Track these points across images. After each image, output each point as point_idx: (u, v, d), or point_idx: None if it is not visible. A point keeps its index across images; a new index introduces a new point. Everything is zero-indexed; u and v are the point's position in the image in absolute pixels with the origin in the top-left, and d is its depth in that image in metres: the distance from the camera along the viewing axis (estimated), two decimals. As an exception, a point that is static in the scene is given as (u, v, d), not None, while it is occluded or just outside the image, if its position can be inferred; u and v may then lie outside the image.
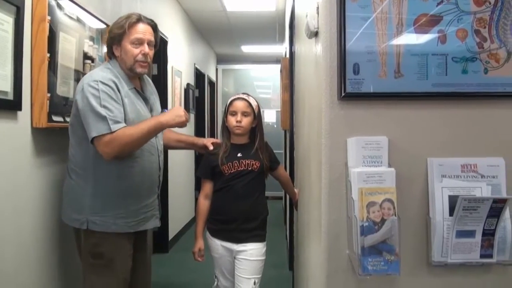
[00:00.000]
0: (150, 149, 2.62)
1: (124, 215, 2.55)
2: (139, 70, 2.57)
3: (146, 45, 2.56)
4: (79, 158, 2.57)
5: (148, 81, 2.82)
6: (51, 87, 2.64)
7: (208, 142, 2.95)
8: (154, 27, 2.64)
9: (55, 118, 2.70)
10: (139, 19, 2.57)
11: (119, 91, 2.48)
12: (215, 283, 3.02)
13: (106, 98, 2.41)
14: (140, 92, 2.65)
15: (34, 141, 2.56)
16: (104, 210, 2.52)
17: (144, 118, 2.56)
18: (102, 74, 2.51)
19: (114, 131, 2.36)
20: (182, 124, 2.56)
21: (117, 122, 2.40)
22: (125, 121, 2.45)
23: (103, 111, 2.38)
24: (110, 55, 2.64)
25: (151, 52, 2.60)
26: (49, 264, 2.76)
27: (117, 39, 2.55)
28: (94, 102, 2.39)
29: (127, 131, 2.41)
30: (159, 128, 2.58)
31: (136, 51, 2.53)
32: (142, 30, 2.56)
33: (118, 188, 2.54)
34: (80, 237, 2.57)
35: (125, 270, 2.58)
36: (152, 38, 2.61)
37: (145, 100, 2.68)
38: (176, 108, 2.62)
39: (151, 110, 2.70)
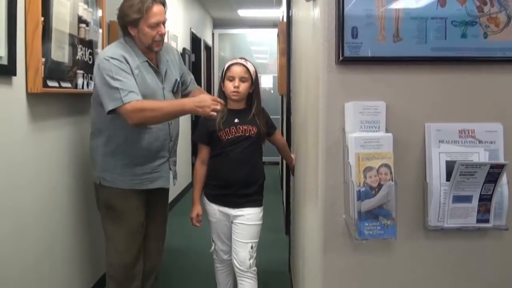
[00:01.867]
0: None
1: (129, 174, 2.85)
2: (156, 48, 2.82)
3: (162, 26, 2.77)
4: (96, 122, 2.89)
5: (167, 50, 3.01)
6: (46, 52, 2.62)
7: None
8: (164, 4, 2.81)
9: (50, 83, 2.68)
10: (154, 1, 2.72)
11: (129, 64, 2.69)
12: (212, 247, 3.04)
13: (117, 71, 2.64)
14: (152, 65, 2.84)
15: (29, 106, 2.55)
16: (112, 168, 2.85)
17: (153, 90, 2.80)
18: (114, 50, 2.75)
19: (127, 102, 2.59)
20: (205, 115, 2.67)
21: (131, 92, 2.62)
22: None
23: (115, 84, 2.61)
24: (124, 32, 2.83)
25: (164, 30, 2.80)
26: (50, 222, 2.78)
27: (134, 23, 2.73)
28: (107, 77, 2.63)
29: (151, 106, 2.66)
30: (181, 113, 2.85)
31: (153, 33, 2.74)
32: (158, 12, 2.74)
33: (126, 150, 2.83)
34: (97, 190, 2.95)
35: (135, 221, 2.90)
36: (165, 17, 2.80)
37: (157, 72, 2.87)
38: (202, 98, 2.70)
39: (163, 81, 2.90)
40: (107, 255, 2.98)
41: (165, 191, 3.12)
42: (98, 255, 3.55)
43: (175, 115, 2.84)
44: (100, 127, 2.86)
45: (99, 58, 2.74)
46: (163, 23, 2.78)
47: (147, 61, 2.82)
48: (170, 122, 2.90)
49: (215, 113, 2.64)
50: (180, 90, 3.07)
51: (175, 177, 3.11)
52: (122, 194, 2.86)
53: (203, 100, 2.65)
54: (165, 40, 2.94)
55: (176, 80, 3.00)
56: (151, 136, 2.83)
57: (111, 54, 2.70)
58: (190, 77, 3.26)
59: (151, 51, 2.82)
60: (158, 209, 3.08)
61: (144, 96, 2.69)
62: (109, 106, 2.63)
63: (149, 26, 2.72)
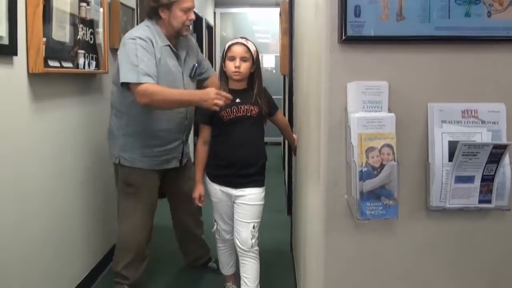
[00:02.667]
0: None
1: (149, 155, 3.04)
2: (185, 33, 3.01)
3: (192, 12, 2.96)
4: (117, 104, 3.04)
5: (185, 37, 3.15)
6: (47, 32, 2.60)
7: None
8: None
9: (51, 63, 2.67)
10: None
11: (154, 47, 2.85)
12: (214, 227, 3.06)
13: (141, 51, 2.78)
14: (173, 49, 3.00)
15: (31, 86, 2.54)
16: (132, 149, 3.03)
17: (173, 73, 2.97)
18: (141, 31, 2.90)
19: (142, 83, 2.72)
20: (208, 107, 2.73)
21: (147, 74, 2.74)
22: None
23: (137, 62, 2.75)
24: (152, 15, 2.98)
25: (194, 16, 2.99)
26: (54, 202, 2.79)
27: (168, 5, 2.89)
28: (130, 53, 2.78)
29: (163, 92, 2.76)
30: (188, 104, 2.98)
31: (184, 17, 2.92)
32: None
33: (145, 132, 2.99)
34: (117, 169, 3.13)
35: (151, 199, 3.14)
36: (194, 3, 2.99)
37: (177, 57, 3.04)
38: (207, 92, 2.78)
39: (182, 66, 3.07)
40: (121, 231, 3.14)
41: (188, 166, 3.36)
42: (107, 230, 3.58)
43: (182, 105, 2.97)
44: (122, 109, 3.01)
45: (126, 38, 2.87)
46: (193, 9, 2.97)
47: (169, 45, 2.98)
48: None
49: (217, 107, 2.70)
50: (196, 75, 3.22)
51: (185, 157, 3.27)
52: (141, 173, 3.05)
53: (207, 93, 2.73)
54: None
55: (194, 65, 3.18)
56: (170, 119, 3.00)
57: (138, 35, 2.85)
58: (206, 64, 3.42)
59: (179, 35, 3.00)
60: (181, 184, 3.34)
61: (165, 79, 2.86)
62: (125, 78, 2.77)
63: (182, 10, 2.90)
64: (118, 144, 3.05)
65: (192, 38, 3.34)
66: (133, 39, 2.81)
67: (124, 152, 3.04)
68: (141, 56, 2.76)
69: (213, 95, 2.69)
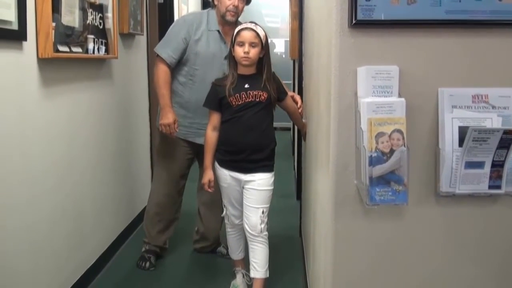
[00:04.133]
0: (204, 76, 3.20)
1: (181, 124, 3.28)
2: (228, 18, 3.18)
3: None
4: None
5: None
6: (56, 17, 2.60)
7: None
8: None
9: (61, 48, 2.67)
10: None
11: (194, 29, 3.22)
12: (224, 212, 3.06)
13: (176, 30, 3.26)
14: (222, 35, 3.25)
15: (40, 71, 2.54)
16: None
17: (212, 53, 3.24)
18: (191, 14, 3.47)
19: (160, 56, 3.23)
20: (160, 123, 3.22)
21: (167, 52, 3.21)
22: (193, 52, 3.22)
23: (166, 37, 3.28)
24: (212, 3, 3.32)
25: (241, 5, 3.19)
26: (64, 191, 2.81)
27: None
28: (169, 29, 3.33)
29: (161, 76, 3.23)
30: (159, 100, 3.26)
31: (228, 2, 3.14)
32: None
33: (180, 101, 3.32)
34: (156, 136, 3.52)
35: (176, 169, 3.44)
36: None
37: (224, 42, 3.25)
38: (167, 116, 3.19)
39: (225, 51, 3.19)
40: (149, 196, 3.59)
41: None
42: (117, 211, 3.60)
43: (158, 96, 3.27)
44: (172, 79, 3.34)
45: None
46: None
47: (218, 30, 3.25)
48: None
49: (161, 127, 3.23)
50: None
51: None
52: (171, 140, 3.34)
53: (168, 118, 3.18)
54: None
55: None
56: (200, 93, 3.11)
57: (185, 16, 3.43)
58: None
59: (225, 20, 3.19)
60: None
61: (203, 59, 3.22)
62: (155, 48, 3.30)
63: None
64: (159, 112, 3.34)
65: None
66: (180, 18, 3.34)
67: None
68: (171, 33, 3.25)
69: (166, 122, 3.17)
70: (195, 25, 3.23)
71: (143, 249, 3.57)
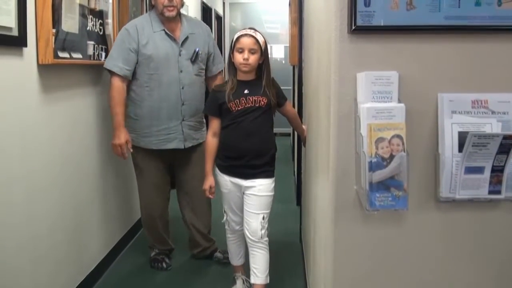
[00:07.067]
0: (170, 81, 3.21)
1: (148, 135, 3.27)
2: (167, 14, 3.16)
3: None
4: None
5: (195, 25, 3.42)
6: (56, 23, 2.60)
7: None
8: None
9: (61, 54, 2.67)
10: None
11: (138, 34, 3.15)
12: (224, 218, 3.06)
13: (118, 42, 3.17)
14: (169, 34, 3.22)
15: (40, 78, 2.55)
16: (135, 129, 3.29)
17: (165, 53, 3.20)
18: (134, 21, 3.31)
19: (111, 71, 3.14)
20: (112, 143, 3.20)
21: (115, 65, 3.12)
22: (145, 58, 3.16)
23: (112, 50, 3.17)
24: (151, 4, 3.32)
25: None
26: (65, 198, 2.81)
27: None
28: (115, 43, 3.21)
29: (114, 95, 3.16)
30: (112, 119, 3.20)
31: None
32: None
33: (142, 111, 3.25)
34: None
35: (155, 178, 3.41)
36: None
37: (174, 40, 3.24)
38: (119, 136, 3.16)
39: (179, 49, 3.25)
40: (140, 208, 3.57)
41: (198, 149, 3.43)
42: (118, 216, 3.59)
43: (111, 115, 3.21)
44: (130, 91, 3.28)
45: None
46: None
47: (163, 30, 3.21)
48: (182, 86, 3.25)
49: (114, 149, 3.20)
50: (200, 61, 3.33)
51: (186, 139, 3.35)
52: (143, 152, 3.33)
53: (119, 138, 3.15)
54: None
55: (194, 50, 3.30)
56: (160, 98, 3.20)
57: (126, 25, 3.24)
58: (217, 59, 3.51)
59: (165, 17, 3.17)
60: (192, 167, 3.46)
61: (158, 60, 3.17)
62: (105, 64, 3.17)
63: None
64: (129, 127, 3.27)
65: (206, 29, 3.49)
66: (123, 29, 3.21)
67: (131, 133, 3.26)
68: (117, 46, 3.16)
69: (117, 142, 3.14)
70: (139, 31, 3.17)
71: (153, 253, 3.61)
